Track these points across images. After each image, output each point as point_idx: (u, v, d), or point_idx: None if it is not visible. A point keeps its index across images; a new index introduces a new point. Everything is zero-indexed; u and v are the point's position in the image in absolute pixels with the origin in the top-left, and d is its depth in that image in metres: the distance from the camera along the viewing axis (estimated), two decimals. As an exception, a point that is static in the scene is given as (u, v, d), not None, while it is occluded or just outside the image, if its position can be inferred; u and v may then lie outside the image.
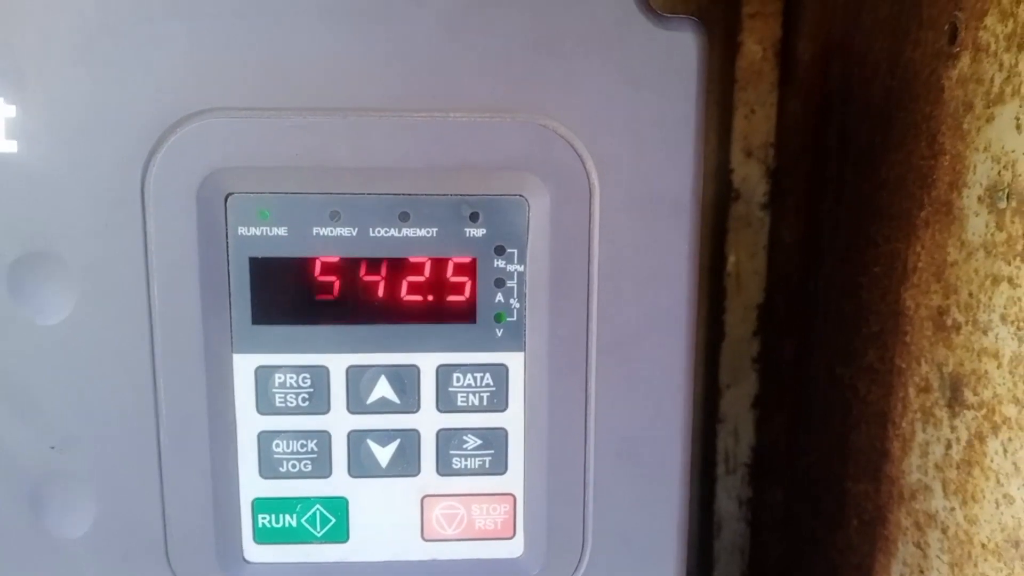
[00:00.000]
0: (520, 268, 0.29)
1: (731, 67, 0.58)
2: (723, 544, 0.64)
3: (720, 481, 0.63)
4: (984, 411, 0.36)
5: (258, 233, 0.28)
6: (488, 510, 0.30)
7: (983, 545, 0.37)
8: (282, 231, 0.28)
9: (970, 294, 0.37)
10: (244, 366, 0.29)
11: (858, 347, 0.47)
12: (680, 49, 0.27)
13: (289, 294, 0.28)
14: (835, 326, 0.50)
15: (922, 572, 0.42)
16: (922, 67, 0.41)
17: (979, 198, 0.37)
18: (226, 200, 0.28)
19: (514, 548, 0.31)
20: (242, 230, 0.28)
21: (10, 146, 0.27)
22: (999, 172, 0.35)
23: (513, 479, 0.30)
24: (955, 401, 0.39)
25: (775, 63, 0.58)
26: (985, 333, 0.36)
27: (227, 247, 0.28)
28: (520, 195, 0.28)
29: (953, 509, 0.39)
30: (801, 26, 0.56)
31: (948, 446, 0.39)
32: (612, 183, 0.28)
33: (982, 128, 0.37)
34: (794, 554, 0.57)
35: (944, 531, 0.40)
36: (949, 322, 0.39)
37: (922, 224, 0.41)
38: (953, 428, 0.39)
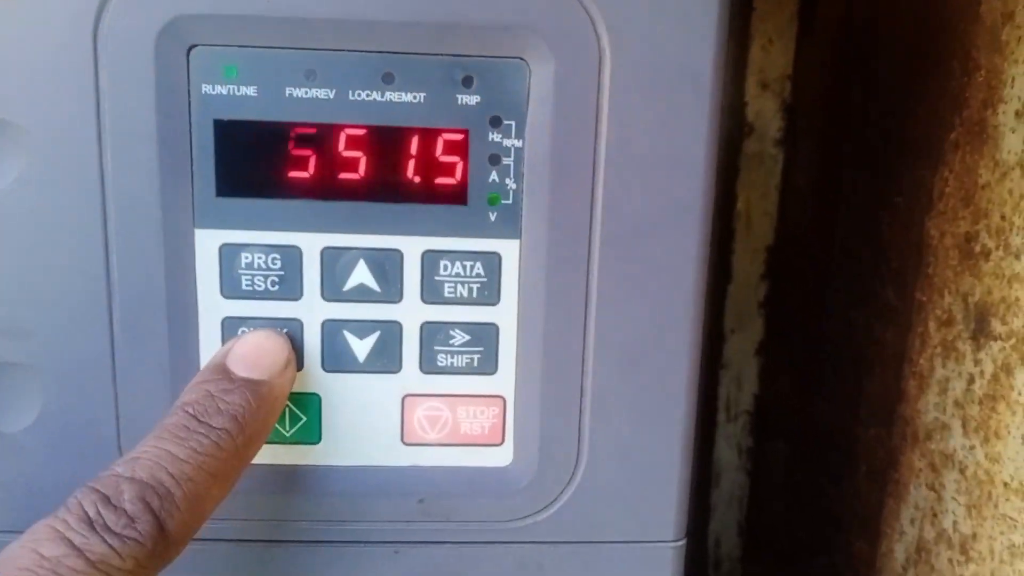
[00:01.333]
0: (518, 143, 0.26)
1: (749, -7, 0.55)
2: (721, 494, 0.62)
3: (720, 429, 0.61)
4: (1013, 341, 0.35)
5: (224, 92, 0.25)
6: (475, 413, 0.28)
7: (1005, 484, 0.35)
8: (251, 91, 0.25)
9: (1002, 217, 0.35)
10: (207, 243, 0.26)
11: (875, 287, 0.45)
12: None
13: (258, 163, 0.26)
14: (851, 268, 0.48)
15: (935, 516, 0.40)
16: (957, -18, 0.38)
17: (1016, 113, 0.35)
18: (189, 53, 0.25)
19: (502, 456, 0.29)
20: (206, 88, 0.25)
21: (-55, -13, 0.24)
22: (1044, 78, 0.32)
23: (503, 380, 0.28)
24: (980, 332, 0.37)
25: (795, -8, 0.56)
26: (1018, 257, 0.34)
27: (189, 107, 0.25)
28: (520, 58, 0.26)
29: (973, 447, 0.37)
30: (825, -53, 0.53)
31: (970, 381, 0.37)
32: (625, 50, 0.25)
33: (1022, 39, 0.34)
34: (795, 504, 0.56)
35: (962, 471, 0.38)
36: (977, 249, 0.37)
37: (951, 147, 0.39)
38: (977, 361, 0.37)
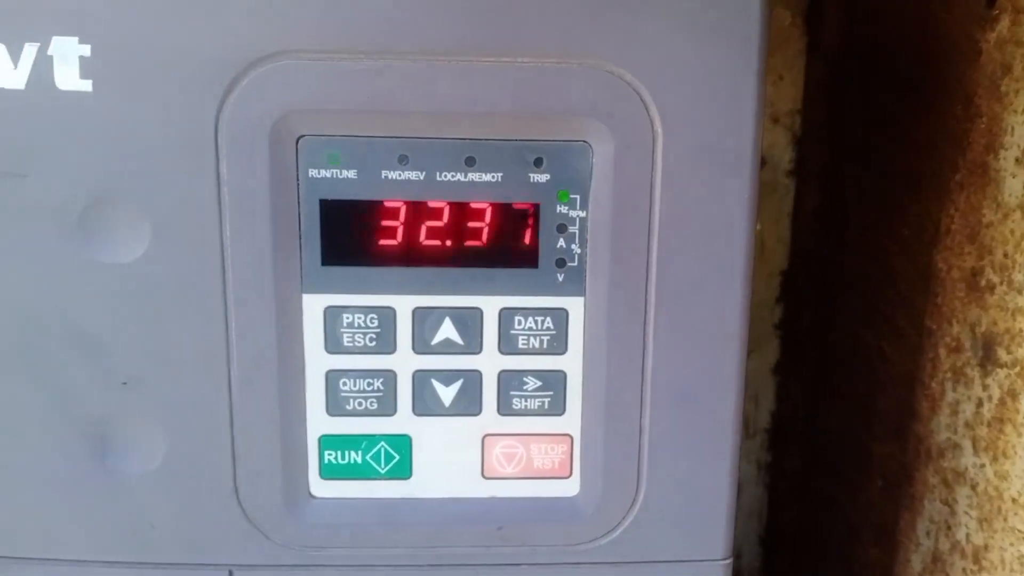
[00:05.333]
0: (582, 214, 0.29)
1: (760, 34, 0.57)
2: (741, 508, 0.64)
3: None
4: (1017, 369, 0.37)
5: (328, 175, 0.28)
6: (546, 450, 0.31)
7: (1013, 500, 0.37)
8: (352, 174, 0.28)
9: (1005, 255, 0.37)
10: (313, 306, 0.29)
11: (884, 310, 0.47)
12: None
13: (358, 236, 0.29)
14: (860, 290, 0.50)
15: (949, 528, 0.42)
16: (955, 29, 0.40)
17: (1016, 160, 0.36)
18: (298, 142, 0.28)
19: (571, 487, 0.32)
20: (313, 172, 0.28)
21: (85, 85, 0.27)
22: (1039, 133, 0.35)
23: (571, 420, 0.31)
24: (987, 360, 0.39)
25: (804, 29, 0.58)
26: (1020, 292, 0.36)
27: (298, 189, 0.28)
28: (584, 141, 0.29)
29: (983, 466, 0.39)
30: (830, -12, 0.55)
31: (979, 404, 0.39)
32: (675, 131, 0.28)
33: (1020, 91, 0.36)
34: (810, 516, 0.57)
35: (973, 487, 0.40)
36: (983, 283, 0.39)
37: (956, 187, 0.41)
38: (985, 387, 0.39)
